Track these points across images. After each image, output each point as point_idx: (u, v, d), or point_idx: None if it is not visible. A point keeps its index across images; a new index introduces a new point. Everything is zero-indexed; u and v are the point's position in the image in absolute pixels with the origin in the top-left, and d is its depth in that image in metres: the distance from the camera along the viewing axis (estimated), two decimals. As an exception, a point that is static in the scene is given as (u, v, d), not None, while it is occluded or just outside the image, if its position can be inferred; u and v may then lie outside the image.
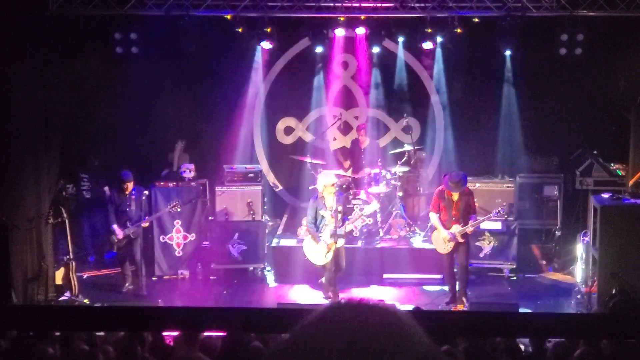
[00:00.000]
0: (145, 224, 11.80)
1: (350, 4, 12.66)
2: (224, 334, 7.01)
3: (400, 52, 14.01)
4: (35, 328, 6.23)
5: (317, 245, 10.94)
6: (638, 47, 12.46)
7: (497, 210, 11.19)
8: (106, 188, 13.00)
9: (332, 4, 12.67)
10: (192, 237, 12.66)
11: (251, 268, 12.60)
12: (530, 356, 7.41)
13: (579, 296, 11.38)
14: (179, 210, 12.10)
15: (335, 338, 1.24)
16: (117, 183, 11.81)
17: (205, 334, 7.35)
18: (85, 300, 11.37)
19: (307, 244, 11.18)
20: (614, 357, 6.68)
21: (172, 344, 7.28)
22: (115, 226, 11.53)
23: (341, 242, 10.95)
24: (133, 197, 11.60)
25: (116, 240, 11.57)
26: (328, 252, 10.92)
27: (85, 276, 12.49)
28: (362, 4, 12.66)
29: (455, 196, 10.76)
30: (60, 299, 11.33)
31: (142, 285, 11.70)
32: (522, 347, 7.66)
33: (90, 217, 13.28)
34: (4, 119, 10.85)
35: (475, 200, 11.10)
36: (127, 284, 11.84)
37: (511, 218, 12.41)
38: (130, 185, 11.56)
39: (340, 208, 10.88)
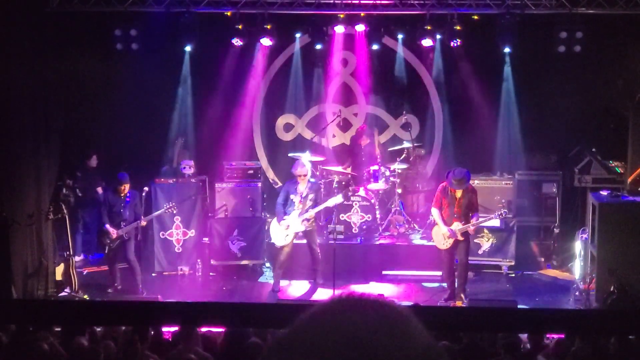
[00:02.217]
0: (143, 223, 11.75)
1: (349, 1, 12.67)
2: (225, 330, 7.05)
3: (400, 49, 14.03)
4: (35, 323, 6.26)
5: (279, 225, 11.48)
6: (637, 45, 12.48)
7: (499, 212, 11.20)
8: (99, 189, 12.93)
9: (331, 1, 12.68)
10: (191, 233, 12.68)
11: (251, 264, 12.63)
12: (529, 352, 7.45)
13: (577, 293, 11.41)
14: (174, 212, 12.10)
15: (336, 332, 1.24)
16: (113, 183, 11.73)
17: (205, 329, 7.39)
18: (85, 296, 11.39)
19: (272, 224, 11.74)
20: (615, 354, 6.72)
21: (170, 339, 7.31)
22: (108, 226, 11.43)
23: (301, 227, 11.43)
24: (128, 199, 11.54)
25: (108, 241, 11.49)
26: (287, 235, 11.46)
27: (85, 272, 12.52)
28: (362, 1, 12.67)
29: (459, 193, 10.77)
30: (60, 294, 11.36)
31: (137, 284, 11.60)
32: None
33: (84, 215, 13.20)
34: (4, 116, 10.87)
35: (477, 198, 11.09)
36: (115, 284, 11.79)
37: (510, 215, 12.43)
38: (126, 187, 11.46)
39: (311, 196, 11.43)
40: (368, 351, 1.22)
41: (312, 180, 11.70)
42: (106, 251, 11.64)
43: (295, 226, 11.45)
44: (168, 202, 12.04)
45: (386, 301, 1.33)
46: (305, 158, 12.05)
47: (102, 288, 12.04)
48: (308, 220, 11.45)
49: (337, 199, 11.75)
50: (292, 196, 11.47)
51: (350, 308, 1.29)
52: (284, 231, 11.49)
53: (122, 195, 11.46)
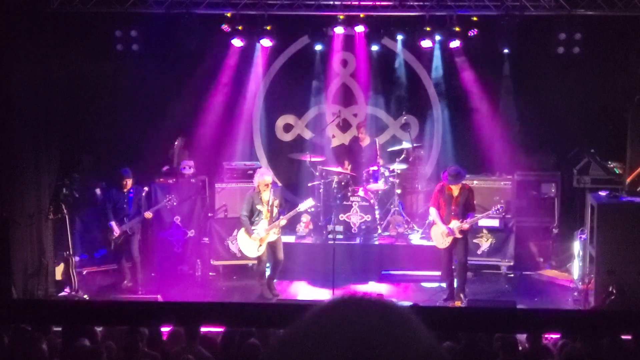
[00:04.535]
0: (148, 215, 11.81)
1: (349, 2, 12.69)
2: (224, 330, 7.07)
3: (399, 50, 14.06)
4: (35, 322, 6.28)
5: (250, 238, 11.16)
6: (635, 47, 12.50)
7: (495, 208, 11.24)
8: (97, 190, 12.95)
9: (331, 2, 12.70)
10: (191, 233, 12.72)
11: (250, 264, 12.64)
12: (528, 352, 7.47)
13: (575, 293, 11.43)
14: (175, 203, 12.12)
15: (337, 332, 1.24)
16: (116, 180, 11.83)
17: (205, 329, 7.41)
18: (85, 296, 11.43)
19: (241, 237, 11.37)
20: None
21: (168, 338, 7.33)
22: (112, 223, 11.57)
23: (274, 236, 11.16)
24: (131, 194, 11.63)
25: (114, 237, 11.59)
26: (260, 245, 11.15)
27: (84, 272, 12.54)
28: (362, 2, 12.69)
29: (455, 192, 10.81)
30: (59, 294, 11.39)
31: (139, 282, 11.70)
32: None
33: (81, 215, 13.17)
34: (4, 116, 10.90)
35: (474, 198, 11.13)
36: (125, 281, 11.86)
37: (509, 216, 12.45)
38: (129, 182, 11.59)
39: (276, 202, 11.13)
40: (369, 351, 1.22)
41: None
42: (112, 247, 11.73)
43: (267, 236, 11.17)
44: (166, 197, 12.08)
45: (387, 301, 1.33)
46: (267, 170, 11.58)
47: (102, 288, 12.09)
48: (280, 227, 11.19)
49: (308, 203, 11.52)
50: (258, 206, 11.12)
51: (351, 308, 1.30)
52: (256, 243, 11.20)
53: (126, 190, 11.55)
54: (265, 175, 11.18)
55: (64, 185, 12.48)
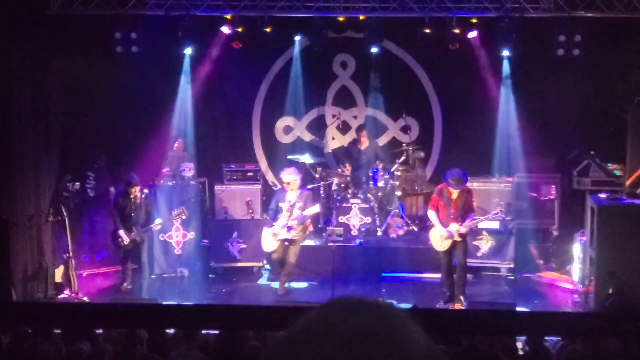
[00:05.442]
0: (157, 227, 11.79)
1: (349, 4, 12.68)
2: (223, 332, 7.07)
3: (399, 52, 14.06)
4: (35, 325, 6.27)
5: (267, 231, 11.44)
6: (635, 48, 12.50)
7: (495, 212, 11.23)
8: (112, 188, 12.98)
9: (331, 4, 12.70)
10: (191, 235, 12.70)
11: (250, 266, 12.65)
12: (527, 355, 7.47)
13: (575, 295, 11.43)
14: (184, 217, 12.10)
15: (334, 335, 1.24)
16: (122, 186, 11.77)
17: (204, 332, 7.41)
18: (85, 298, 11.42)
19: (264, 229, 11.63)
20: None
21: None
22: (121, 231, 11.45)
23: (288, 235, 11.27)
24: (139, 200, 11.57)
25: (122, 245, 11.55)
26: (273, 241, 11.36)
27: (84, 274, 12.53)
28: (361, 4, 12.68)
29: (455, 194, 10.81)
30: (59, 296, 11.38)
31: (143, 286, 11.66)
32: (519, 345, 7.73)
33: (92, 215, 13.22)
34: (4, 118, 10.91)
35: (473, 199, 11.15)
36: (126, 284, 11.83)
37: (509, 218, 12.45)
38: (136, 189, 11.50)
39: (299, 204, 11.25)
40: (366, 354, 1.22)
41: (301, 188, 11.54)
42: (121, 253, 11.72)
43: (281, 234, 11.33)
44: (178, 206, 12.03)
45: (384, 304, 1.33)
46: (293, 170, 11.65)
47: (102, 290, 12.08)
48: (292, 228, 11.27)
49: (315, 209, 11.57)
50: (280, 204, 11.42)
51: (349, 311, 1.29)
52: (271, 237, 11.43)
53: (132, 197, 11.47)
54: (283, 174, 11.52)
55: (63, 187, 12.46)
